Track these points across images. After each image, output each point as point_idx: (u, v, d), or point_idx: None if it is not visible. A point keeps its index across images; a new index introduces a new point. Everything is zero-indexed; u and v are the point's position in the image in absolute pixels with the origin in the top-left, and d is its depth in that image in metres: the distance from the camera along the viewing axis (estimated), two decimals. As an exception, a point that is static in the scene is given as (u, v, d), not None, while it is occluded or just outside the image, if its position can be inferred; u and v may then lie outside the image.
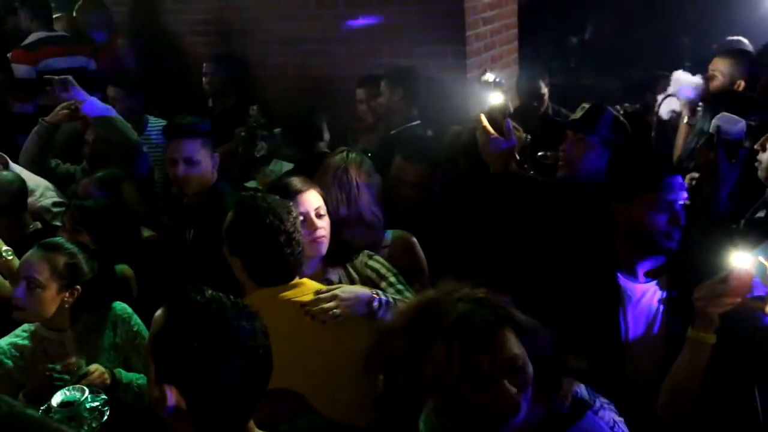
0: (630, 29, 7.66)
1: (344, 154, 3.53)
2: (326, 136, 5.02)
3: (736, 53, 5.04)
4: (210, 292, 1.88)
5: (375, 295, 2.87)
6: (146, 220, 4.31)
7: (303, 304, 2.79)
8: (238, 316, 1.84)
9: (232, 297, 1.90)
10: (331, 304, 2.79)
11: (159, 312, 1.91)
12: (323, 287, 2.89)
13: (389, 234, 3.51)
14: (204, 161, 3.93)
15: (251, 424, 1.92)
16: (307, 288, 2.86)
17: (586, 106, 3.61)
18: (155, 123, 5.65)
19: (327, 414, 2.58)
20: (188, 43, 6.68)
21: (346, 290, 2.86)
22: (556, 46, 8.02)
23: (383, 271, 3.17)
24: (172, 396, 1.81)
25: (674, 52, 6.72)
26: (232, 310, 1.85)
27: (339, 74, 6.01)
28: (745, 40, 6.30)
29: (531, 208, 3.37)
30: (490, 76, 4.60)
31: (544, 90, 5.70)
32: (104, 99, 5.29)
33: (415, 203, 3.77)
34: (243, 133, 5.34)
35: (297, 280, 2.86)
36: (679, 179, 2.92)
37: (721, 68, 4.89)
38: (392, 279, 3.14)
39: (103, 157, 4.83)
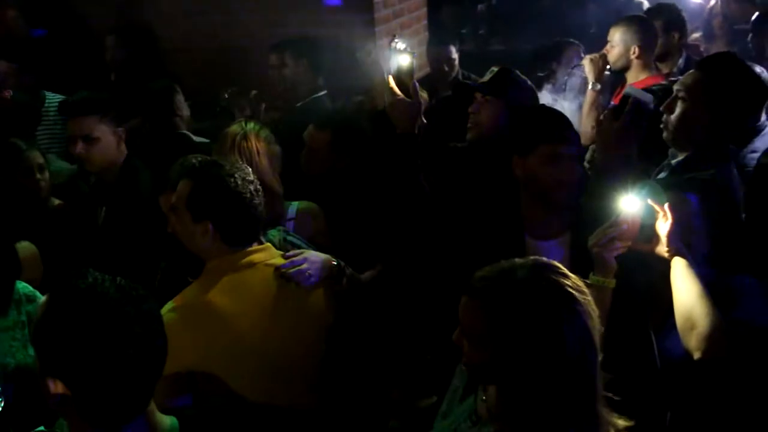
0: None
1: (242, 122, 3.53)
2: (184, 112, 4.87)
3: (626, 20, 5.10)
4: (94, 276, 1.77)
5: (334, 261, 2.93)
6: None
7: (278, 267, 2.79)
8: (123, 302, 1.74)
9: (119, 280, 1.79)
10: (305, 266, 2.81)
11: (41, 300, 1.81)
12: (290, 251, 2.91)
13: (294, 206, 3.50)
14: (104, 137, 3.82)
15: (152, 407, 1.85)
16: (274, 251, 2.87)
17: (495, 69, 3.65)
18: (53, 99, 5.43)
19: (272, 386, 2.63)
20: (88, 15, 6.44)
21: (313, 254, 2.90)
22: (465, 13, 8.04)
23: (303, 246, 3.15)
24: (55, 389, 1.72)
25: (580, 18, 6.80)
26: (116, 296, 1.74)
27: (246, 45, 5.90)
28: None
29: (438, 170, 3.38)
30: (400, 45, 4.56)
31: (454, 56, 5.72)
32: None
33: (327, 171, 3.75)
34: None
35: (264, 243, 2.86)
36: (574, 132, 3.00)
37: (615, 38, 4.97)
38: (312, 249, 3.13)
39: None
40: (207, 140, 4.54)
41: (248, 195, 2.72)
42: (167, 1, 6.15)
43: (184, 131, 4.73)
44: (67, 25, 6.41)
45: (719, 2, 6.59)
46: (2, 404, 2.65)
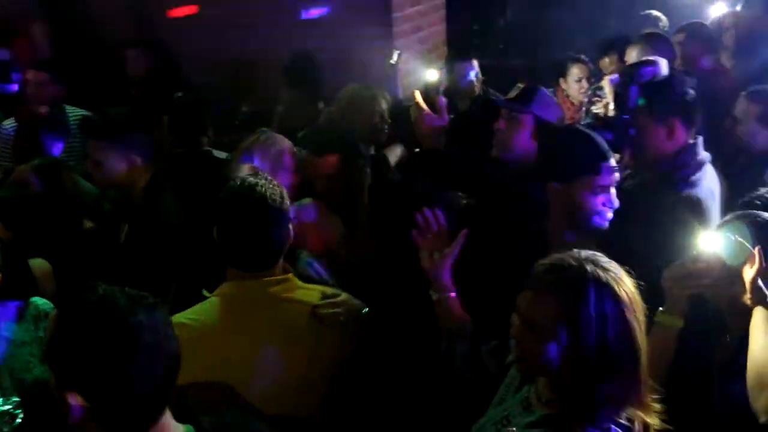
0: (553, 11, 7.72)
1: (256, 136, 3.54)
2: (210, 132, 4.64)
3: (641, 39, 5.13)
4: (104, 288, 1.78)
5: (365, 310, 2.88)
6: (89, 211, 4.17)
7: (315, 306, 2.75)
8: (134, 311, 1.74)
9: (128, 290, 1.80)
10: (339, 310, 2.78)
11: (52, 315, 1.83)
12: (320, 287, 2.88)
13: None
14: (109, 163, 3.74)
15: (167, 417, 1.85)
16: (294, 284, 2.81)
17: (521, 85, 3.65)
18: (72, 113, 5.45)
19: (275, 403, 2.56)
20: (109, 29, 6.47)
21: (349, 298, 2.86)
22: (484, 27, 8.05)
23: (323, 275, 3.15)
24: (75, 402, 1.72)
25: (599, 35, 6.78)
26: (127, 306, 1.75)
27: (264, 58, 5.90)
28: (656, 13, 6.41)
29: (464, 186, 3.36)
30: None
31: (474, 70, 5.69)
32: (22, 87, 5.09)
33: (338, 193, 3.62)
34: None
35: (285, 273, 2.80)
36: (614, 160, 2.97)
37: (632, 57, 4.99)
38: (332, 281, 3.12)
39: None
40: (228, 154, 4.51)
41: (264, 223, 2.68)
42: (188, 15, 6.17)
43: (207, 148, 4.66)
44: (88, 39, 6.43)
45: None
46: (21, 418, 2.66)
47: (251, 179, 2.75)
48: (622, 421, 2.05)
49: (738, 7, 6.50)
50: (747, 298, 2.38)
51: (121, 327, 1.72)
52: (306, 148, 3.72)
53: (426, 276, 2.77)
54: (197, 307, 2.71)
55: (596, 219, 2.86)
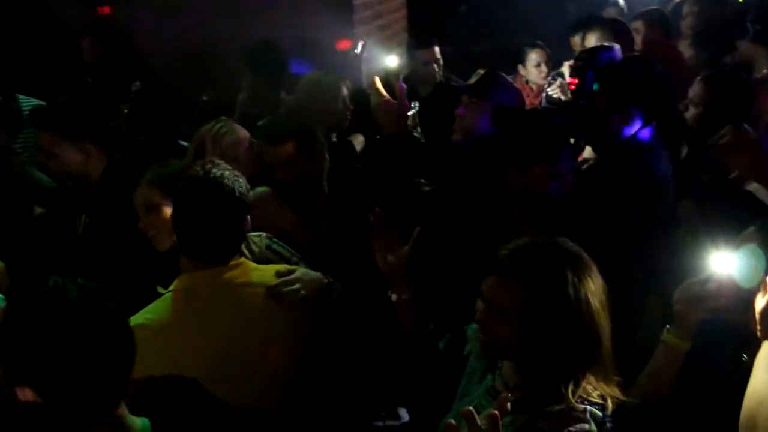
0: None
1: (211, 125, 3.53)
2: (171, 122, 4.53)
3: (600, 25, 5.17)
4: (55, 279, 1.74)
5: (325, 280, 2.85)
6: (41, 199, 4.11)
7: (270, 286, 2.71)
8: (86, 301, 1.71)
9: (81, 281, 1.76)
10: (297, 286, 2.73)
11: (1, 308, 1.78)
12: (273, 266, 2.82)
13: None
14: (64, 155, 3.68)
15: (122, 411, 1.81)
16: (248, 267, 2.76)
17: (481, 72, 3.65)
18: (27, 102, 5.33)
19: (242, 393, 2.51)
20: (65, 16, 6.35)
21: (305, 272, 2.82)
22: (445, 14, 8.05)
23: (286, 254, 3.09)
24: (26, 397, 1.68)
25: (560, 20, 6.81)
26: (79, 297, 1.71)
27: (223, 46, 5.84)
28: None
29: (424, 172, 3.36)
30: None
31: (436, 57, 5.68)
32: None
33: (297, 181, 3.62)
34: (126, 110, 5.09)
35: (236, 259, 2.75)
36: (570, 146, 3.03)
37: (591, 44, 4.99)
38: (295, 259, 3.07)
39: None
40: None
41: (230, 217, 2.64)
42: (144, 2, 6.08)
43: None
44: (43, 26, 6.31)
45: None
46: None
47: (215, 170, 2.66)
48: (596, 400, 2.09)
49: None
50: (758, 329, 2.14)
51: (72, 317, 1.68)
52: (262, 138, 3.68)
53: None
54: (153, 306, 2.65)
55: (554, 204, 2.89)
